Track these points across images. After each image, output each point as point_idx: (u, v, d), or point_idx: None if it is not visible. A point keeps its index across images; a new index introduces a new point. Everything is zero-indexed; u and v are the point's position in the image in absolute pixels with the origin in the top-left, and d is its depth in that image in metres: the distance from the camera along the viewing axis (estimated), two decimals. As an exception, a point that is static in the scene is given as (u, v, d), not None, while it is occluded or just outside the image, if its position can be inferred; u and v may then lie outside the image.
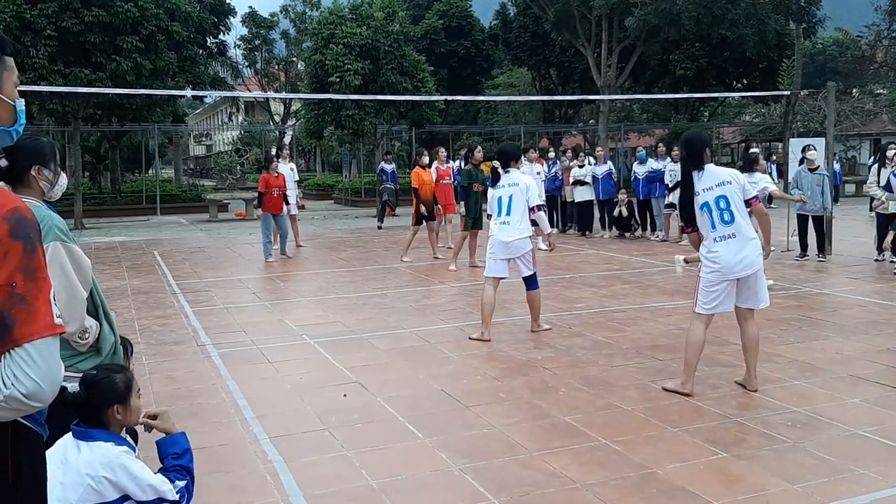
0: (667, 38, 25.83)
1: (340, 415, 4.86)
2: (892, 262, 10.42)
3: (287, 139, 41.62)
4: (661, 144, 15.33)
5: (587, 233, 15.47)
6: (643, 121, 39.62)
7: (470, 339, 6.78)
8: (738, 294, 5.08)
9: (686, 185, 5.10)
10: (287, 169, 14.42)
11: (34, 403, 1.65)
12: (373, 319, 7.76)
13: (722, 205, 4.99)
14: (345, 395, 5.26)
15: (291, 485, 3.85)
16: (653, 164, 14.68)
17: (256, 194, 12.64)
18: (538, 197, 6.91)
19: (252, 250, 13.99)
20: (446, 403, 5.08)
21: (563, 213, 16.47)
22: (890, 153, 10.93)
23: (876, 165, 11.27)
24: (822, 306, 8.17)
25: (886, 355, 6.03)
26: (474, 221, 10.97)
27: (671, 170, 14.07)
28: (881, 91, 43.78)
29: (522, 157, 11.10)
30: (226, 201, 24.36)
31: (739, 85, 32.70)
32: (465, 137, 34.14)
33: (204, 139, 66.79)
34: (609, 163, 15.75)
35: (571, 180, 15.42)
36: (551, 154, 17.32)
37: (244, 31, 40.62)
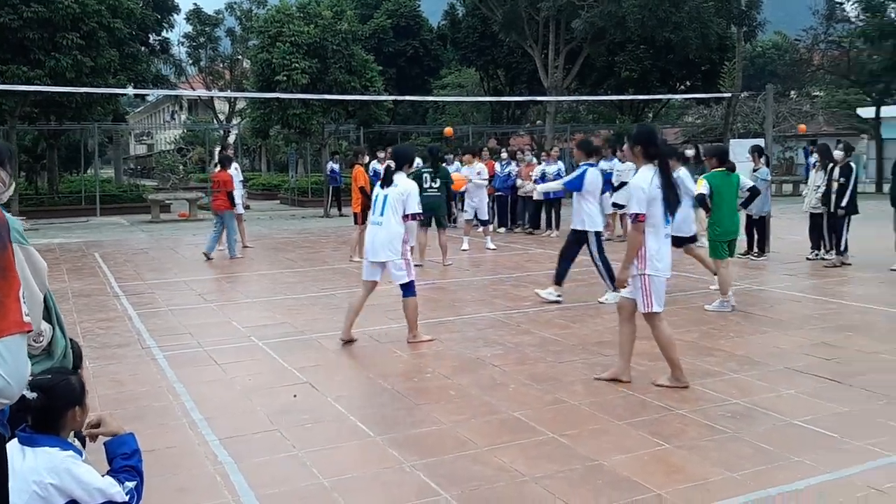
0: (612, 40, 26.27)
1: (291, 415, 4.85)
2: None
3: (231, 138, 41.04)
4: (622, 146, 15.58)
5: (534, 231, 15.67)
6: (589, 122, 40.17)
7: (341, 339, 6.66)
8: None
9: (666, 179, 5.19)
10: (232, 168, 14.32)
11: (1, 399, 1.64)
12: (322, 320, 7.74)
13: (666, 206, 5.14)
14: (295, 396, 5.25)
15: (242, 485, 3.83)
16: (602, 164, 14.91)
17: (227, 194, 12.73)
18: (416, 206, 6.67)
19: (196, 252, 13.78)
20: (397, 402, 5.11)
21: (513, 212, 16.67)
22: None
23: (814, 167, 11.68)
24: (761, 302, 8.44)
25: (820, 348, 6.27)
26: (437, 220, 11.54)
27: (618, 170, 14.35)
28: (818, 93, 45.21)
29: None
30: (168, 202, 23.90)
31: (682, 87, 33.43)
32: (414, 137, 34.16)
33: (145, 138, 65.40)
34: (560, 162, 15.95)
35: (534, 176, 15.51)
36: (504, 154, 17.50)
37: (188, 28, 39.92)
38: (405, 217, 6.57)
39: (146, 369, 6.04)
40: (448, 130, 20.91)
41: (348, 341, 6.67)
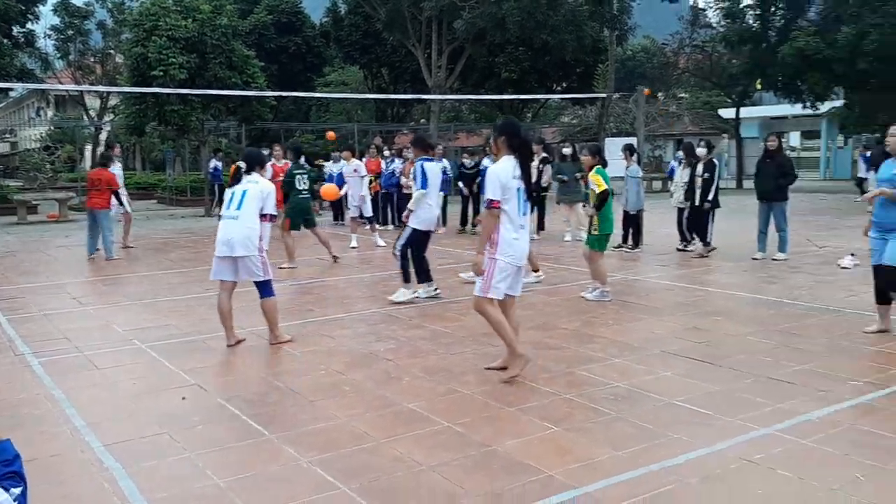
0: (493, 41, 26.77)
1: (180, 418, 4.74)
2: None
3: (104, 136, 39.11)
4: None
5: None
6: (472, 121, 40.80)
7: (228, 346, 6.50)
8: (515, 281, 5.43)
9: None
10: (118, 168, 13.90)
11: None
12: (208, 321, 7.55)
13: (524, 196, 5.28)
14: (184, 398, 5.13)
15: (132, 490, 3.72)
16: (485, 161, 15.24)
17: (114, 193, 12.63)
18: (274, 207, 6.47)
19: (69, 253, 13.13)
20: (290, 399, 5.08)
21: (399, 209, 16.73)
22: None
23: (680, 165, 12.34)
24: (637, 291, 8.89)
25: (692, 332, 6.69)
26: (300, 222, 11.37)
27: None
28: (683, 95, 47.78)
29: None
30: (35, 202, 22.56)
31: (559, 88, 34.48)
32: (298, 135, 33.67)
33: (7, 136, 61.23)
34: (444, 160, 16.16)
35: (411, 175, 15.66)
36: (387, 152, 17.53)
37: (56, 20, 37.65)
38: (263, 216, 6.38)
39: (21, 377, 5.73)
40: (330, 135, 20.87)
41: (237, 343, 6.55)
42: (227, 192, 6.53)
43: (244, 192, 6.33)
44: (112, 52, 39.11)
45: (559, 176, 13.53)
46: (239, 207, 6.30)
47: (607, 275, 8.41)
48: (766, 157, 11.08)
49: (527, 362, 5.38)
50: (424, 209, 8.31)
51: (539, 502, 3.50)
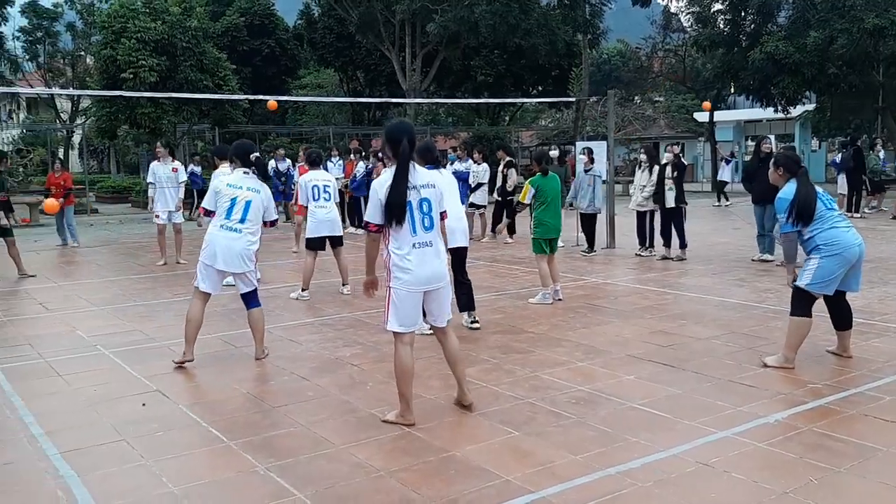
0: (467, 44, 26.85)
1: (139, 425, 4.70)
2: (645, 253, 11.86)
3: (77, 138, 38.72)
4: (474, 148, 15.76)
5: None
6: (448, 124, 40.87)
7: (185, 361, 6.02)
8: (428, 310, 4.65)
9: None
10: (169, 169, 12.38)
11: None
12: (174, 326, 7.48)
13: (425, 208, 4.52)
14: (143, 405, 5.08)
15: (86, 499, 3.68)
16: (457, 165, 15.24)
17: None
18: (273, 212, 6.19)
19: (38, 258, 12.95)
20: (252, 406, 5.05)
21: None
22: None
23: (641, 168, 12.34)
24: (605, 294, 8.93)
25: (658, 336, 6.73)
26: None
27: (474, 171, 14.75)
28: (659, 98, 48.19)
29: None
30: (6, 206, 22.23)
31: (535, 91, 34.66)
32: (273, 137, 33.54)
33: (-22, 139, 60.35)
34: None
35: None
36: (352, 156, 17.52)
37: (24, 21, 37.23)
38: (265, 224, 6.14)
39: (-22, 385, 5.64)
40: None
41: (187, 361, 6.05)
42: (225, 196, 5.98)
43: (248, 203, 5.96)
44: (82, 54, 38.78)
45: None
46: (243, 220, 5.93)
47: (549, 276, 8.35)
48: (759, 161, 10.92)
49: (409, 424, 4.55)
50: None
51: (495, 507, 3.50)
